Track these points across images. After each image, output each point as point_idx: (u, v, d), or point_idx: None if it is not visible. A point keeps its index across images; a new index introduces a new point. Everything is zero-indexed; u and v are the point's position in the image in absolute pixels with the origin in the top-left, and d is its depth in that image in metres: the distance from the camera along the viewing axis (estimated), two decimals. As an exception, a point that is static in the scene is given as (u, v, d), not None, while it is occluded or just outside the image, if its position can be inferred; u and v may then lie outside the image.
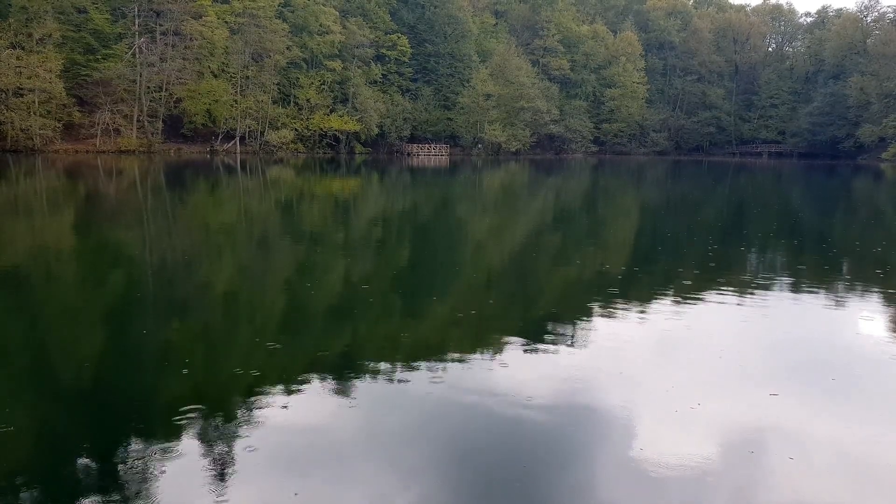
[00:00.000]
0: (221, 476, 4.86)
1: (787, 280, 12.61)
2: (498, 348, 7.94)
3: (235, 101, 65.61)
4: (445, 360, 7.46)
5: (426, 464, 5.13)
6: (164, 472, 4.88)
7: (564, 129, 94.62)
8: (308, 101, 71.98)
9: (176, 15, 60.98)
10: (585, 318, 9.44)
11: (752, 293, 11.15)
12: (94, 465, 5.03)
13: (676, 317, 9.59)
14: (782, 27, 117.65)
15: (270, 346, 8.03)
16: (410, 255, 15.58)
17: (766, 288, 11.64)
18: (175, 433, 5.51)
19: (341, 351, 7.87)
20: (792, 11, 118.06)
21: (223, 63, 66.06)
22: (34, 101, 52.43)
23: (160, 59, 60.53)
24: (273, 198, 28.91)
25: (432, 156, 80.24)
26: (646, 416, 6.02)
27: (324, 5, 73.53)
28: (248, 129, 67.85)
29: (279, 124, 70.01)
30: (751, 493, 4.77)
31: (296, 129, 71.11)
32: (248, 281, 12.00)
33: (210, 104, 63.16)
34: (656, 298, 10.68)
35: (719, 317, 9.64)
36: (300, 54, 70.18)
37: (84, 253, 14.90)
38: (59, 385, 6.70)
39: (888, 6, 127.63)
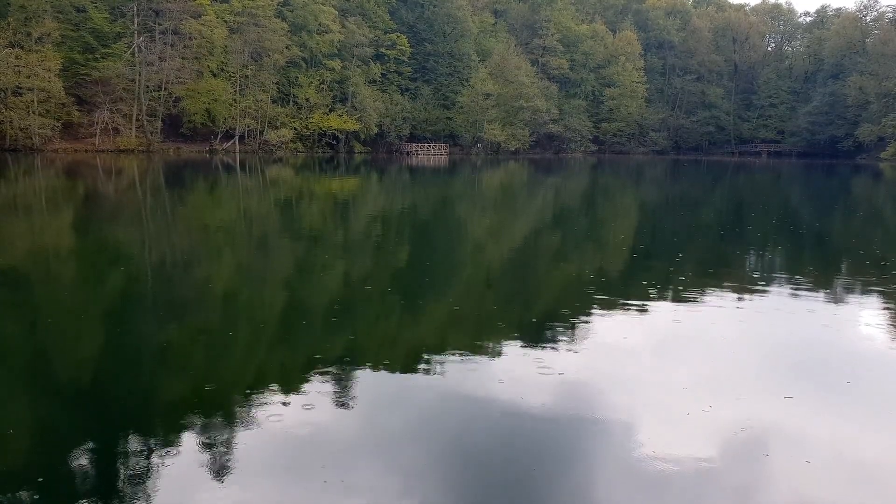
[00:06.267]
0: (221, 476, 4.84)
1: (792, 280, 12.58)
2: (500, 348, 7.90)
3: (234, 100, 65.41)
4: (446, 360, 7.42)
5: (427, 464, 5.10)
6: (163, 472, 4.86)
7: (564, 128, 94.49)
8: (307, 100, 71.81)
9: (175, 14, 60.79)
10: (588, 318, 9.39)
11: (758, 293, 11.12)
12: (93, 464, 5.01)
13: (682, 317, 9.55)
14: (781, 26, 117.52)
15: (270, 345, 8.00)
16: (410, 254, 15.55)
17: (772, 288, 11.60)
18: (174, 433, 5.48)
19: (341, 350, 7.83)
20: (791, 11, 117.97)
21: (222, 62, 65.86)
22: (33, 100, 52.25)
23: (159, 58, 60.34)
24: (272, 197, 28.85)
25: (431, 155, 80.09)
26: (656, 419, 5.95)
27: (323, 4, 73.28)
28: (247, 129, 67.65)
29: (278, 123, 69.82)
30: (767, 497, 4.72)
31: (295, 129, 70.93)
32: (247, 280, 11.96)
33: (209, 103, 62.96)
34: (660, 298, 10.65)
35: (725, 317, 9.56)
36: (299, 53, 69.99)
37: (83, 252, 14.85)
38: (59, 384, 6.66)
39: (887, 6, 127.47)
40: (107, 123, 58.08)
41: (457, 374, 7.00)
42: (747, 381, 6.95)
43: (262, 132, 68.86)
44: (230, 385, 6.69)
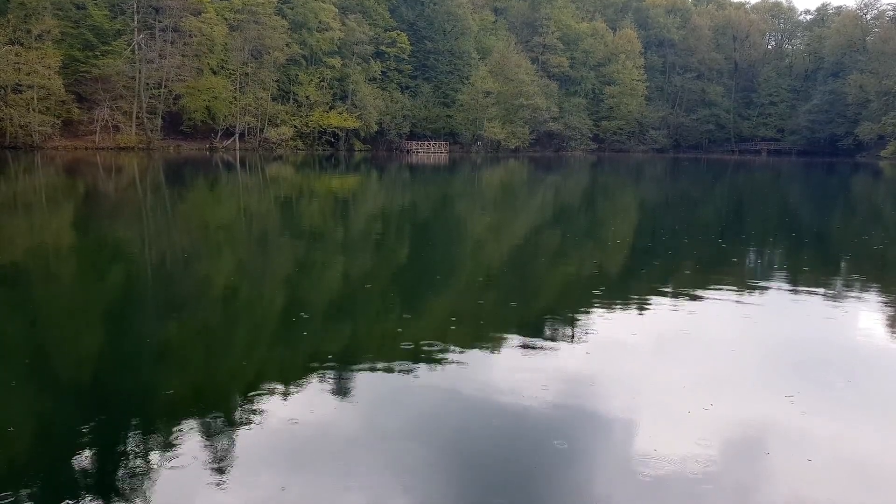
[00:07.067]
0: (221, 475, 4.83)
1: (792, 278, 12.57)
2: (500, 347, 7.90)
3: (235, 97, 65.33)
4: (446, 359, 7.42)
5: (426, 463, 5.10)
6: (162, 470, 4.86)
7: (564, 126, 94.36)
8: (307, 97, 71.71)
9: (175, 11, 60.68)
10: (589, 317, 9.39)
11: (758, 292, 11.11)
12: (93, 463, 5.01)
13: (682, 315, 9.54)
14: (782, 25, 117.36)
15: (270, 343, 8.00)
16: (410, 253, 15.54)
17: (773, 286, 11.60)
18: (174, 431, 5.48)
19: (341, 349, 7.83)
20: (791, 9, 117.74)
21: (222, 60, 65.76)
22: (33, 98, 52.18)
23: (159, 55, 60.27)
24: (272, 195, 28.83)
25: (432, 153, 80.00)
26: (657, 418, 5.94)
27: (323, 2, 73.14)
28: (247, 126, 67.56)
29: (278, 121, 69.75)
30: (767, 497, 4.72)
31: (295, 126, 70.86)
32: (247, 278, 11.96)
33: (209, 101, 62.88)
34: (660, 297, 10.64)
35: (726, 316, 9.55)
36: (299, 51, 69.87)
37: (83, 250, 14.84)
38: (59, 382, 6.66)
39: (888, 4, 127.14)
40: (107, 121, 58.01)
41: (457, 372, 7.00)
42: (748, 380, 6.95)
43: (262, 130, 68.80)
44: (230, 383, 6.69)
